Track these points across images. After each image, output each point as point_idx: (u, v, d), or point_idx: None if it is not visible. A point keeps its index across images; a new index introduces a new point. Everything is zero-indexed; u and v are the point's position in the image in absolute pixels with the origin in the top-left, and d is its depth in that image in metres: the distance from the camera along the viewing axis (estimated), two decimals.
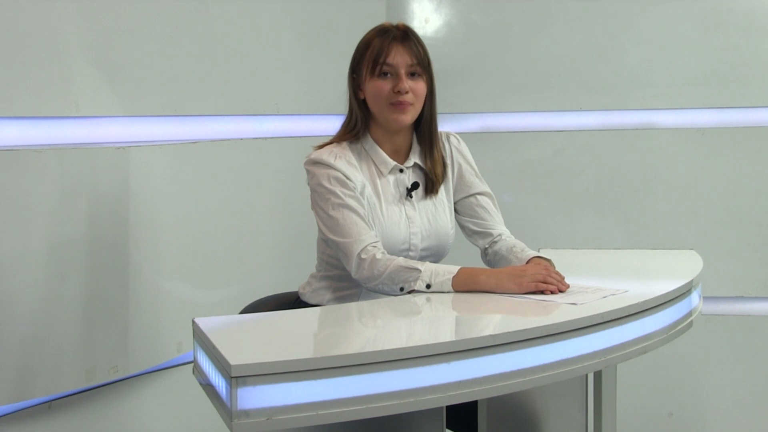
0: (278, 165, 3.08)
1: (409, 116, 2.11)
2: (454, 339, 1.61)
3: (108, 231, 2.51)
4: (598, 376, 2.24)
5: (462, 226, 2.26)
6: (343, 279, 2.14)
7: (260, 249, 3.06)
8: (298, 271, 2.39)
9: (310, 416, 1.42)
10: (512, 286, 1.91)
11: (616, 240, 3.47)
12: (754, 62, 3.38)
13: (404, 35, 2.12)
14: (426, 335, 1.73)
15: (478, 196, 2.24)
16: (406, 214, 2.14)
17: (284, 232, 3.14)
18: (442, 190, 2.21)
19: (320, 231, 2.12)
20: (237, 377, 1.38)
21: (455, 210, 2.24)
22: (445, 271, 1.94)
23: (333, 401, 1.43)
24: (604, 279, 2.11)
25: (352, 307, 1.96)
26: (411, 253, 2.12)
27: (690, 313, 2.06)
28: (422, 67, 2.11)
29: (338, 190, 2.04)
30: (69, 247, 2.40)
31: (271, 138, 3.10)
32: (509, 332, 1.59)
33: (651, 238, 3.42)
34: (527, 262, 2.06)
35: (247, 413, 1.39)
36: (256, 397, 1.40)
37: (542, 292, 1.90)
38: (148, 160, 2.62)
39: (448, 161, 2.23)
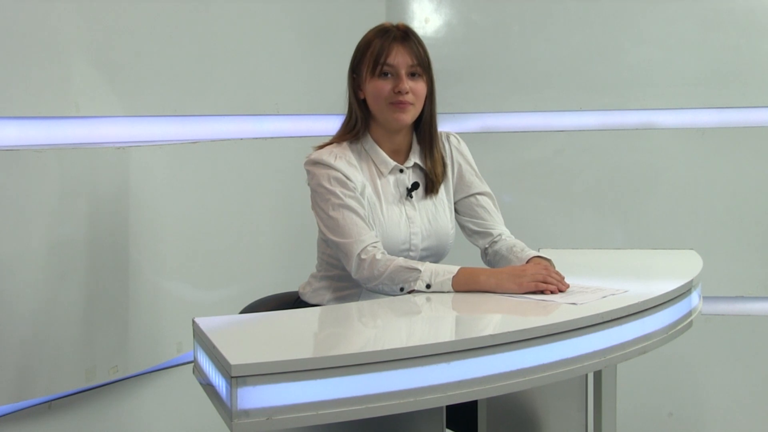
0: (278, 165, 3.08)
1: (410, 116, 2.11)
2: (454, 339, 1.61)
3: (108, 231, 2.51)
4: (598, 376, 2.24)
5: (462, 226, 2.26)
6: (344, 279, 2.14)
7: (260, 249, 3.06)
8: (298, 271, 2.39)
9: (310, 416, 1.42)
10: (512, 286, 1.91)
11: (616, 240, 3.47)
12: (754, 62, 3.38)
13: (405, 35, 2.12)
14: (426, 335, 1.73)
15: (478, 196, 2.24)
16: (406, 214, 2.14)
17: (284, 232, 3.14)
18: (442, 190, 2.21)
19: (320, 231, 2.12)
20: (237, 377, 1.38)
21: (455, 210, 2.25)
22: (445, 271, 1.94)
23: (333, 401, 1.43)
24: (604, 279, 2.11)
25: (352, 307, 1.96)
26: (411, 253, 2.12)
27: (690, 313, 2.06)
28: (422, 67, 2.11)
29: (338, 190, 2.04)
30: (69, 247, 2.40)
31: (271, 138, 3.10)
32: (509, 332, 1.59)
33: (651, 238, 3.42)
34: (527, 262, 2.06)
35: (247, 413, 1.39)
36: (256, 397, 1.40)
37: (542, 292, 1.90)
38: (148, 160, 2.62)
39: (448, 161, 2.23)
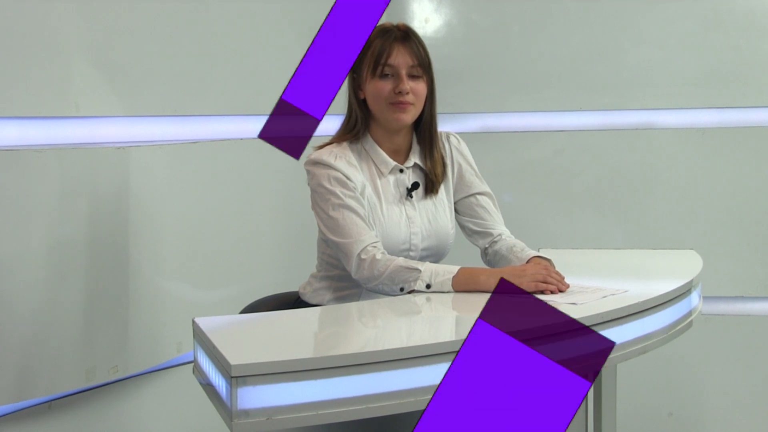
0: (278, 165, 3.06)
1: (410, 116, 2.11)
2: (454, 339, 1.61)
3: (108, 231, 2.51)
4: (598, 376, 2.24)
5: (462, 226, 2.26)
6: (344, 279, 2.14)
7: (260, 249, 3.06)
8: (298, 271, 2.39)
9: (310, 416, 1.42)
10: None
11: (616, 240, 3.46)
12: (754, 62, 3.37)
13: (405, 36, 2.12)
14: (426, 335, 1.73)
15: (478, 196, 2.24)
16: (406, 214, 2.14)
17: (284, 232, 3.13)
18: (442, 190, 2.21)
19: (320, 231, 2.12)
20: (237, 377, 1.38)
21: (455, 210, 2.25)
22: (445, 271, 1.94)
23: (333, 401, 1.43)
24: (604, 279, 2.11)
25: (352, 307, 1.96)
26: (411, 253, 2.12)
27: (690, 313, 2.06)
28: (423, 68, 2.11)
29: (338, 190, 2.04)
30: (69, 247, 2.40)
31: None
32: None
33: (651, 238, 3.41)
34: (527, 262, 2.06)
35: (247, 413, 1.39)
36: (256, 396, 1.40)
37: (542, 292, 1.90)
38: (148, 160, 2.62)
39: (448, 161, 2.23)
